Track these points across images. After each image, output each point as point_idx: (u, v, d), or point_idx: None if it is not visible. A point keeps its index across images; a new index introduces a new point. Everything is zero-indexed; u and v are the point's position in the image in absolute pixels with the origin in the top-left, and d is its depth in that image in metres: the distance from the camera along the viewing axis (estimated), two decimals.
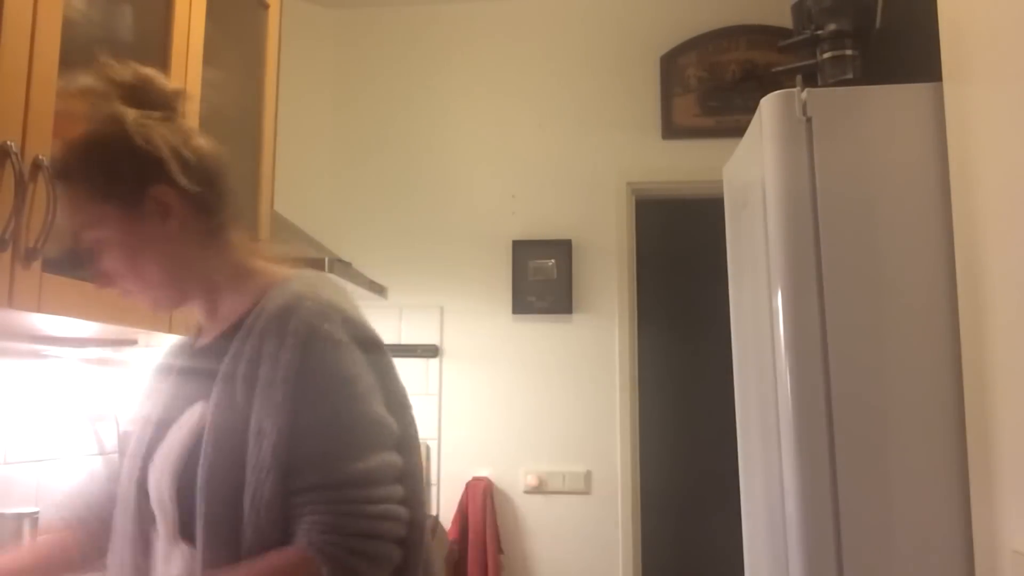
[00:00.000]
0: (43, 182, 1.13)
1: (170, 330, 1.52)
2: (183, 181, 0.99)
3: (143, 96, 1.01)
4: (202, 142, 1.04)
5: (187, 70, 1.58)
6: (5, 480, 1.54)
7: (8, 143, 1.07)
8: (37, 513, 1.45)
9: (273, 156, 2.08)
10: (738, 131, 1.90)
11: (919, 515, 1.43)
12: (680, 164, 3.01)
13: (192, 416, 0.98)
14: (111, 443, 1.87)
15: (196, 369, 1.02)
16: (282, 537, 0.89)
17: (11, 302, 1.08)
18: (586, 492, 2.89)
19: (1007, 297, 1.26)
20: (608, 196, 3.04)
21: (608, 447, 2.90)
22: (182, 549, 0.94)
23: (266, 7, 2.05)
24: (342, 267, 2.30)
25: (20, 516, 1.42)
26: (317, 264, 2.19)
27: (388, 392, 1.03)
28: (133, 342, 1.81)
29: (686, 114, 3.04)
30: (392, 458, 0.96)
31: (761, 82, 2.94)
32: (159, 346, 2.00)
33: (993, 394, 1.31)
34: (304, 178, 3.02)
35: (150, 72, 1.03)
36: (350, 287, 2.43)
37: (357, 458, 0.91)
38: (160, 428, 1.03)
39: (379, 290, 2.69)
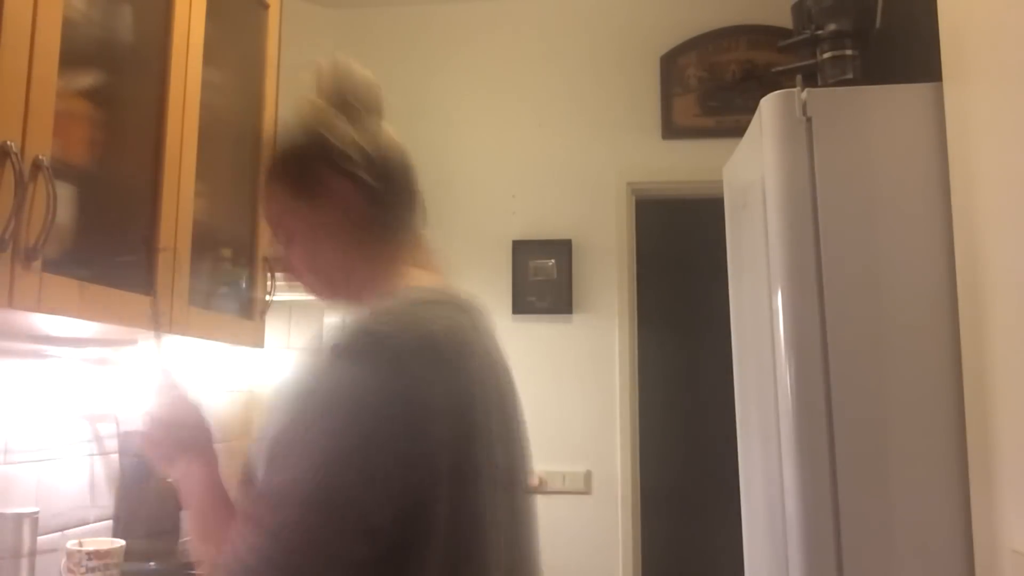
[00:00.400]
0: (43, 182, 1.13)
1: (170, 330, 1.52)
2: (362, 175, 0.99)
3: (336, 88, 1.03)
4: (389, 140, 1.05)
5: (187, 70, 1.58)
6: (5, 480, 1.54)
7: (8, 143, 1.07)
8: (37, 513, 1.45)
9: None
10: (738, 131, 1.90)
11: (919, 515, 1.43)
12: (680, 164, 3.01)
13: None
14: (111, 443, 1.87)
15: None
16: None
17: (11, 302, 1.08)
18: (586, 492, 2.88)
19: (1007, 297, 1.26)
20: (608, 196, 3.03)
21: (608, 447, 2.90)
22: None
23: (266, 7, 2.05)
24: None
25: (20, 516, 1.42)
26: None
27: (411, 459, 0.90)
28: (133, 342, 1.81)
29: (686, 114, 3.03)
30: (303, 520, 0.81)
31: (761, 82, 2.94)
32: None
33: (993, 394, 1.31)
34: None
35: (347, 66, 1.06)
36: None
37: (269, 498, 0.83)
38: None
39: None
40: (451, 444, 0.84)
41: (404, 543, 0.80)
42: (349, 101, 1.03)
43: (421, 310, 0.92)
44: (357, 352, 0.85)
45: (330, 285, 1.04)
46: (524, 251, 3.01)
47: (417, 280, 1.03)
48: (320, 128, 0.99)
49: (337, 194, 0.99)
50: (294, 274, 1.04)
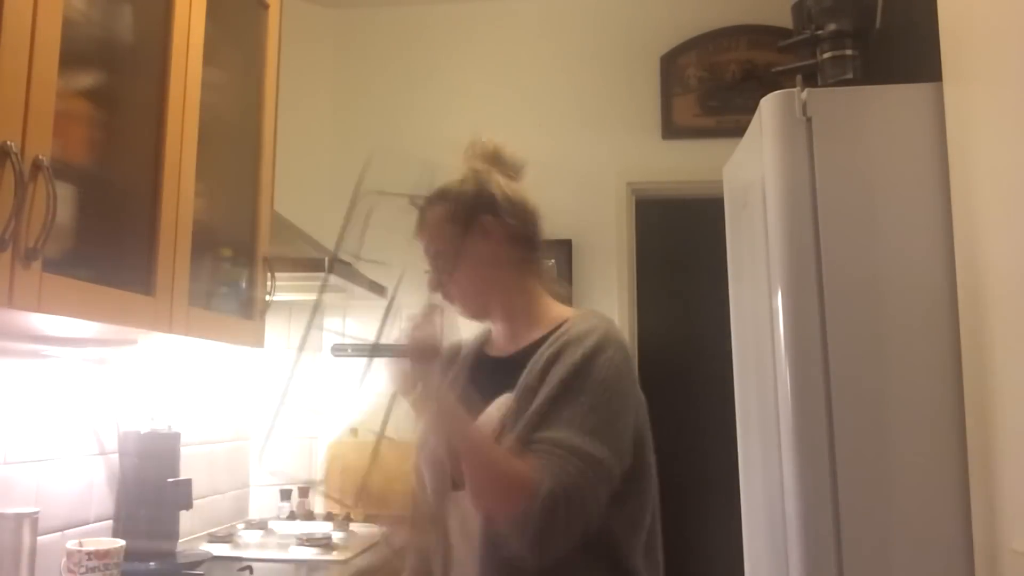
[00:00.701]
0: (43, 182, 1.13)
1: (170, 330, 1.52)
2: (506, 216, 1.30)
3: (494, 158, 1.39)
4: (525, 194, 1.37)
5: (187, 70, 1.58)
6: (5, 480, 1.54)
7: (8, 143, 1.07)
8: (37, 513, 1.45)
9: (273, 156, 2.08)
10: (738, 131, 1.90)
11: (919, 515, 1.43)
12: (680, 164, 3.01)
13: (501, 402, 1.24)
14: (111, 443, 1.87)
15: (503, 372, 1.27)
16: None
17: (11, 302, 1.08)
18: None
19: (1007, 297, 1.26)
20: (608, 196, 3.03)
21: None
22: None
23: (266, 7, 2.05)
24: (342, 267, 2.30)
25: (20, 516, 1.42)
26: (317, 264, 2.19)
27: (638, 421, 1.29)
28: (133, 342, 1.81)
29: (686, 114, 3.03)
30: (606, 457, 1.15)
31: (761, 82, 2.94)
32: (157, 346, 2.00)
33: (993, 394, 1.31)
34: (304, 178, 3.02)
35: (500, 144, 1.42)
36: (350, 287, 2.43)
37: (583, 440, 1.14)
38: (471, 406, 1.24)
39: (379, 290, 2.69)
40: (642, 412, 1.31)
41: (634, 467, 1.23)
42: (502, 162, 1.38)
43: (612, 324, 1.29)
44: (614, 345, 1.22)
45: (484, 307, 1.35)
46: None
47: (564, 309, 1.35)
48: (484, 184, 1.33)
49: (496, 235, 1.30)
50: (451, 299, 1.32)
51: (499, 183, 1.34)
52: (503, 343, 1.36)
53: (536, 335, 1.29)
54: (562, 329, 1.25)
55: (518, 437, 1.16)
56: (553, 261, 2.98)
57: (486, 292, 1.33)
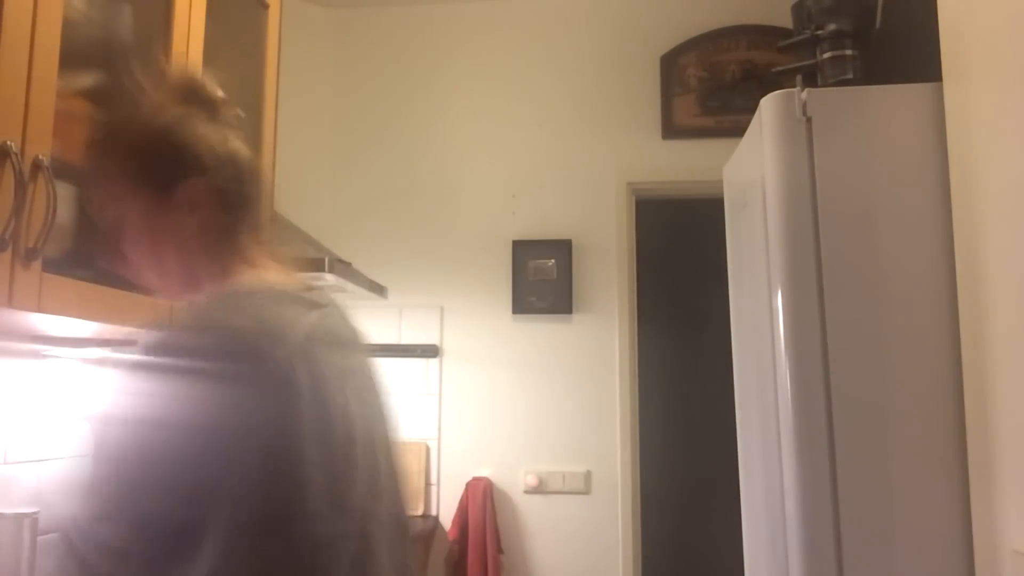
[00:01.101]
0: (43, 182, 1.13)
1: None
2: (214, 177, 0.99)
3: (191, 95, 1.03)
4: (239, 145, 1.04)
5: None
6: (5, 480, 1.54)
7: (8, 143, 1.07)
8: (37, 513, 1.45)
9: (273, 156, 2.08)
10: (738, 131, 1.90)
11: (919, 515, 1.43)
12: (680, 164, 3.01)
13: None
14: None
15: None
16: None
17: (11, 302, 1.08)
18: (586, 492, 2.89)
19: (1007, 297, 1.26)
20: (608, 196, 3.04)
21: (608, 447, 2.90)
22: None
23: (266, 7, 2.05)
24: (342, 267, 2.30)
25: (20, 516, 1.42)
26: (317, 264, 2.19)
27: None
28: (133, 342, 1.81)
29: (686, 114, 3.04)
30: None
31: (761, 82, 2.94)
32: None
33: (993, 394, 1.31)
34: (304, 178, 3.02)
35: (200, 75, 1.07)
36: (350, 287, 2.43)
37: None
38: None
39: (379, 290, 2.69)
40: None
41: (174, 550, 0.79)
42: (205, 103, 1.04)
43: (231, 302, 0.89)
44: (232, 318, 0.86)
45: (162, 278, 1.02)
46: (524, 251, 3.01)
47: (258, 276, 1.00)
48: (182, 129, 0.99)
49: (187, 194, 0.97)
50: (130, 267, 1.03)
51: (203, 132, 1.01)
52: None
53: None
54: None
55: None
56: (553, 261, 2.99)
57: (162, 262, 1.02)
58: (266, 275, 1.01)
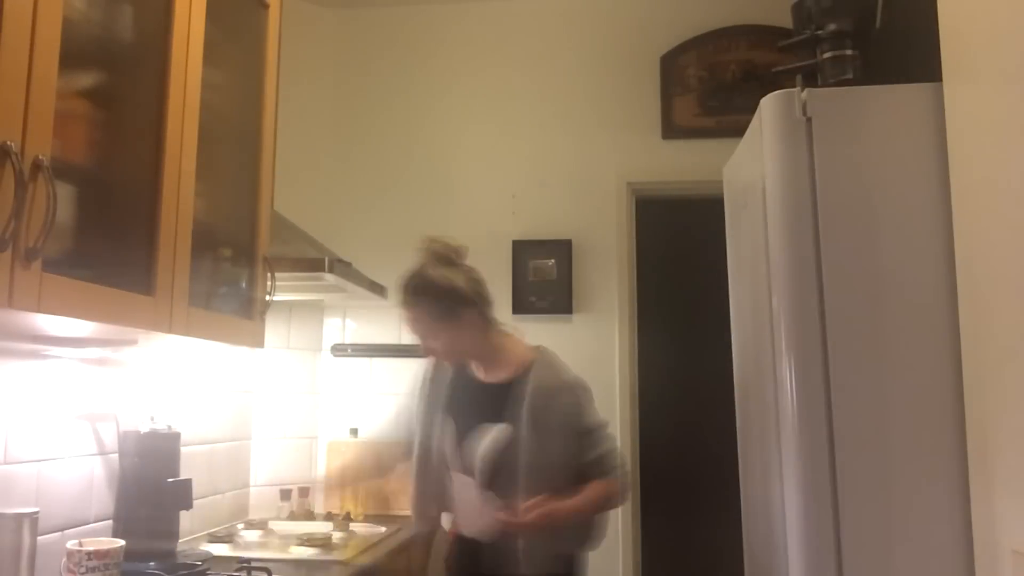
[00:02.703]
0: (43, 182, 1.13)
1: (170, 330, 1.52)
2: (474, 303, 1.86)
3: (452, 258, 1.89)
4: (478, 276, 1.89)
5: (187, 70, 1.58)
6: (5, 480, 1.54)
7: (8, 143, 1.07)
8: (37, 513, 1.45)
9: (273, 156, 2.08)
10: (738, 131, 1.90)
11: (919, 515, 1.43)
12: (680, 164, 3.01)
13: (498, 430, 1.84)
14: (111, 443, 1.87)
15: (490, 398, 1.88)
16: (565, 483, 1.80)
17: (11, 302, 1.08)
18: None
19: (1007, 297, 1.26)
20: (608, 196, 3.04)
21: None
22: (484, 493, 1.84)
23: (266, 7, 2.05)
24: (342, 267, 2.30)
25: (20, 516, 1.42)
26: (317, 264, 2.19)
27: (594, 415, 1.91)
28: (133, 342, 1.81)
29: (686, 114, 3.04)
30: (610, 431, 1.91)
31: (761, 82, 2.94)
32: (155, 345, 2.00)
33: (993, 394, 1.31)
34: (304, 178, 3.02)
35: (456, 245, 1.89)
36: (350, 287, 2.43)
37: (602, 446, 1.86)
38: (464, 426, 1.90)
39: (379, 290, 2.69)
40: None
41: None
42: (450, 255, 1.89)
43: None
44: (579, 387, 1.91)
45: (465, 360, 1.96)
46: (524, 251, 3.01)
47: (521, 343, 1.99)
48: (449, 280, 1.84)
49: (467, 319, 1.85)
50: (440, 358, 1.96)
51: (459, 277, 1.85)
52: (482, 374, 1.94)
53: (508, 372, 1.89)
54: (531, 375, 1.86)
55: (543, 472, 1.79)
56: (553, 261, 2.99)
57: (465, 353, 1.92)
58: (513, 335, 2.00)
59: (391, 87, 3.20)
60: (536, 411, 1.82)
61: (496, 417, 1.84)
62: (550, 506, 1.73)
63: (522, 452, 1.80)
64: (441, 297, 1.82)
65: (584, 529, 1.87)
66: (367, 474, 2.39)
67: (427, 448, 1.97)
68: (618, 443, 1.99)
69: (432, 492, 1.96)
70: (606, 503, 1.87)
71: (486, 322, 1.89)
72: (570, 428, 1.83)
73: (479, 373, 1.95)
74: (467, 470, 1.88)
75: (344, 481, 2.56)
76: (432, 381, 2.03)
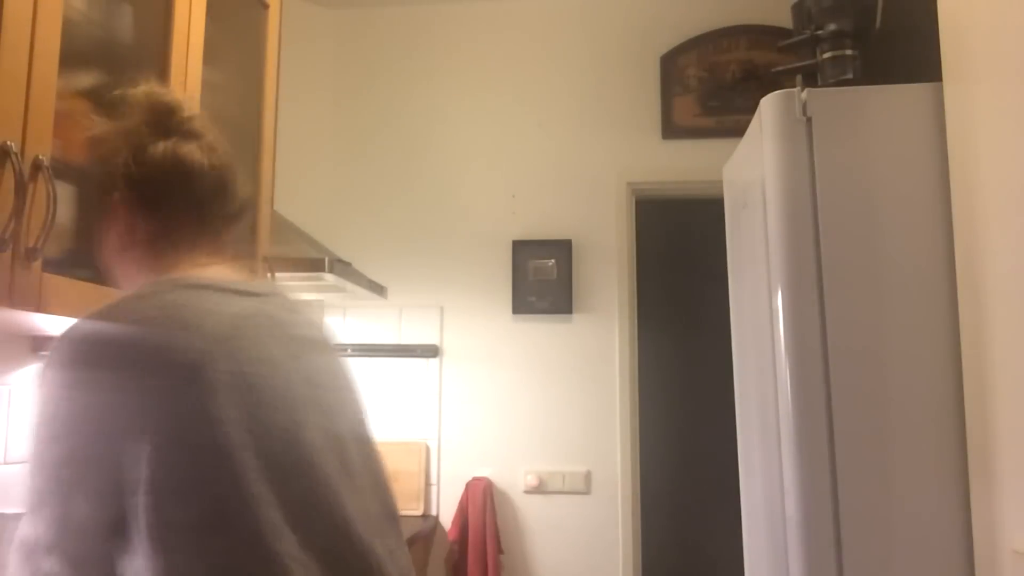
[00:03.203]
0: (43, 182, 1.13)
1: None
2: (127, 190, 1.05)
3: (155, 112, 1.09)
4: (157, 152, 1.06)
5: (187, 70, 1.58)
6: (5, 480, 1.54)
7: (8, 143, 1.07)
8: None
9: (273, 156, 2.08)
10: (738, 131, 1.90)
11: (919, 515, 1.43)
12: (680, 164, 3.01)
13: None
14: None
15: None
16: None
17: (11, 302, 1.08)
18: (586, 492, 2.89)
19: (1007, 297, 1.26)
20: (608, 196, 3.04)
21: (608, 447, 2.90)
22: None
23: (266, 7, 2.05)
24: (342, 267, 2.30)
25: (20, 516, 1.42)
26: (317, 264, 2.19)
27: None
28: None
29: (686, 114, 3.04)
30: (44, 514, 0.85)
31: (761, 82, 2.94)
32: None
33: (993, 394, 1.31)
34: (304, 178, 3.02)
35: (154, 92, 1.13)
36: (350, 287, 2.43)
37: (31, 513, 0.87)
38: None
39: (379, 290, 2.69)
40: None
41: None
42: (155, 119, 1.09)
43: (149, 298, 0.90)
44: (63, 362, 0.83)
45: (122, 280, 1.09)
46: (524, 251, 3.01)
47: (191, 272, 1.01)
48: (98, 148, 1.07)
49: (114, 206, 1.05)
50: (99, 261, 1.11)
51: (116, 147, 1.08)
52: None
53: None
54: None
55: None
56: (553, 261, 2.99)
57: (112, 262, 1.12)
58: (202, 271, 1.02)
59: (391, 87, 3.21)
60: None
61: None
62: None
63: None
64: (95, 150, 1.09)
65: None
66: None
67: None
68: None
69: None
70: None
71: (146, 225, 1.07)
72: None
73: None
74: None
75: None
76: None
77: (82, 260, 1.33)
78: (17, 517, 1.42)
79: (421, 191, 3.13)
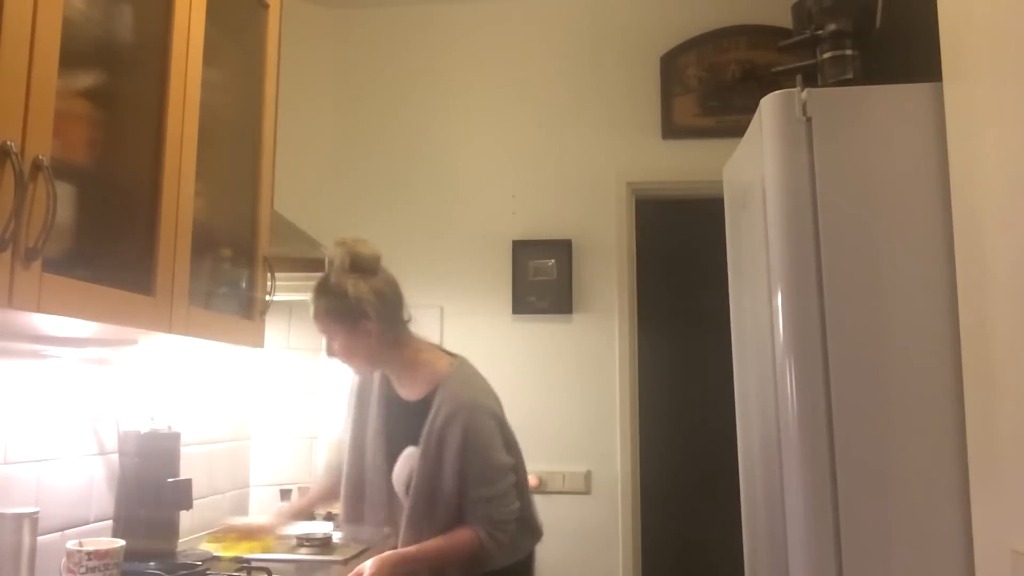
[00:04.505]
0: (43, 182, 1.13)
1: (170, 330, 1.52)
2: (375, 315, 1.81)
3: (355, 263, 1.84)
4: (387, 287, 1.86)
5: (187, 70, 1.58)
6: (5, 480, 1.54)
7: (8, 143, 1.07)
8: (37, 513, 1.45)
9: (273, 156, 2.08)
10: (738, 131, 1.90)
11: (919, 515, 1.43)
12: (680, 164, 3.01)
13: (410, 452, 1.83)
14: (111, 443, 1.87)
15: (409, 417, 1.87)
16: (452, 521, 1.78)
17: (11, 302, 1.08)
18: (586, 492, 2.88)
19: (1007, 297, 1.26)
20: (608, 196, 3.03)
21: (608, 447, 2.90)
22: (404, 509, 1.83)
23: (266, 7, 2.05)
24: None
25: (20, 516, 1.42)
26: (317, 264, 2.19)
27: (507, 439, 1.87)
28: (133, 342, 1.81)
29: (686, 114, 3.04)
30: (506, 480, 1.81)
31: (761, 82, 2.94)
32: (157, 346, 2.01)
33: (993, 394, 1.31)
34: (304, 178, 3.02)
35: (372, 252, 1.87)
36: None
37: (493, 486, 1.79)
38: (392, 446, 1.90)
39: None
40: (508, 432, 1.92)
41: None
42: (360, 266, 1.85)
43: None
44: (477, 415, 1.82)
45: (373, 370, 1.96)
46: (524, 251, 3.01)
47: (441, 357, 1.95)
48: (345, 288, 1.81)
49: (373, 331, 1.82)
50: (347, 364, 1.89)
51: (360, 287, 1.81)
52: (399, 386, 1.93)
53: (423, 388, 1.86)
54: (438, 401, 1.80)
55: (455, 501, 1.78)
56: (553, 261, 2.99)
57: (372, 363, 1.89)
58: (432, 348, 1.98)
59: (391, 87, 3.20)
60: (433, 435, 1.78)
61: (413, 438, 1.82)
62: (389, 565, 1.68)
63: (414, 478, 1.78)
64: (337, 302, 1.81)
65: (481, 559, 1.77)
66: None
67: (359, 467, 1.95)
68: (516, 503, 1.81)
69: (368, 510, 1.93)
70: (463, 558, 1.75)
71: (389, 334, 1.85)
72: (464, 458, 1.75)
73: (399, 387, 1.93)
74: (398, 492, 1.87)
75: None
76: (359, 392, 2.01)
77: (82, 260, 1.33)
78: (17, 517, 1.42)
79: (421, 191, 3.12)
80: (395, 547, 1.82)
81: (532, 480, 2.88)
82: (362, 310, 1.79)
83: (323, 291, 1.82)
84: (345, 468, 1.97)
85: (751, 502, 1.91)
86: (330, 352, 1.86)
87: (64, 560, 1.46)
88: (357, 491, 1.94)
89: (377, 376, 1.97)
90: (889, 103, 1.55)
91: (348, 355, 1.85)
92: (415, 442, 1.81)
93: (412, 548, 1.73)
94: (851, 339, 1.48)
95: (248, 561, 1.86)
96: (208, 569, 1.78)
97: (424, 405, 1.83)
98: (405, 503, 1.82)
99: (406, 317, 1.91)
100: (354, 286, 1.80)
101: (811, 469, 1.46)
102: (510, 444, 1.87)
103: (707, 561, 3.57)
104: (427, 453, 1.77)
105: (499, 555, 1.77)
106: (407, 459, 1.83)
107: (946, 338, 1.46)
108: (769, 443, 1.62)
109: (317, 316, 1.83)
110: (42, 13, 1.15)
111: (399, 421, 1.90)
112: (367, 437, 1.95)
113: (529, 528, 1.92)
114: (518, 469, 1.87)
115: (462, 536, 1.74)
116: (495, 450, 1.79)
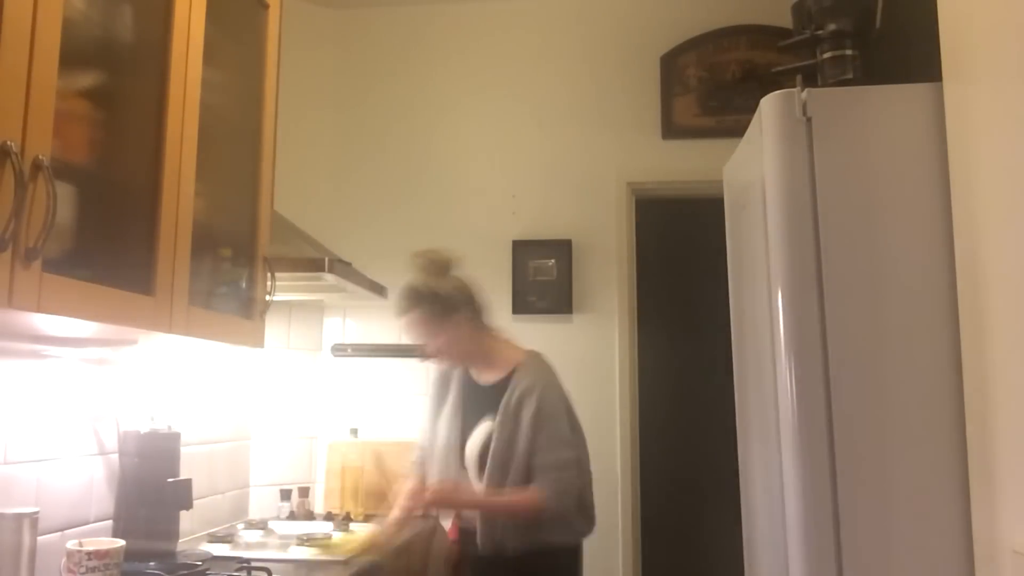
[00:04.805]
0: (43, 182, 1.13)
1: (170, 330, 1.52)
2: (461, 309, 2.06)
3: (435, 267, 2.09)
4: (468, 284, 2.11)
5: (187, 70, 1.58)
6: (5, 480, 1.54)
7: (8, 143, 1.07)
8: (37, 513, 1.45)
9: (273, 156, 2.08)
10: (738, 131, 1.90)
11: (919, 515, 1.43)
12: (680, 164, 3.01)
13: (485, 426, 2.03)
14: (111, 443, 1.87)
15: (485, 398, 2.07)
16: (513, 480, 1.96)
17: (11, 302, 1.08)
18: None
19: (1007, 297, 1.26)
20: (608, 196, 3.03)
21: (608, 447, 2.90)
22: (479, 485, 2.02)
23: (266, 7, 2.05)
24: (342, 267, 2.30)
25: (20, 516, 1.42)
26: (317, 264, 2.19)
27: (572, 423, 2.05)
28: (133, 342, 1.81)
29: (686, 114, 3.04)
30: (571, 453, 2.00)
31: (761, 82, 2.94)
32: (159, 345, 2.00)
33: (993, 393, 1.31)
34: (304, 178, 3.02)
35: (448, 256, 2.12)
36: (350, 287, 2.43)
37: (558, 453, 1.96)
38: (467, 424, 2.09)
39: (379, 290, 2.69)
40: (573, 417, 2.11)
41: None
42: (441, 267, 2.10)
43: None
44: (550, 391, 2.04)
45: (464, 362, 2.16)
46: (524, 251, 3.01)
47: (515, 347, 2.17)
48: (435, 288, 2.06)
49: (462, 324, 2.07)
50: (441, 360, 2.15)
51: (447, 285, 2.06)
52: (478, 374, 2.14)
53: (499, 373, 2.08)
54: (515, 379, 2.03)
55: (525, 464, 1.96)
56: (553, 261, 2.99)
57: (466, 355, 2.12)
58: (508, 340, 2.20)
59: (391, 87, 3.20)
60: (511, 406, 1.98)
61: (488, 415, 2.02)
62: (445, 494, 1.99)
63: (492, 444, 1.97)
64: (431, 303, 2.03)
65: (543, 523, 1.94)
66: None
67: (432, 446, 2.16)
68: (578, 480, 2.01)
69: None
70: (523, 512, 1.94)
71: (477, 326, 2.09)
72: (536, 424, 1.95)
73: (477, 375, 2.13)
74: (468, 465, 2.05)
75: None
76: (439, 384, 2.23)
77: (82, 260, 1.33)
78: (17, 517, 1.42)
79: (421, 191, 3.12)
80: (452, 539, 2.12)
81: None
82: (453, 305, 2.04)
83: (414, 301, 2.05)
84: (420, 450, 2.22)
85: (751, 502, 1.91)
86: (427, 354, 2.10)
87: (64, 560, 1.46)
88: (429, 473, 2.15)
89: (457, 368, 2.18)
90: (889, 103, 1.55)
91: (446, 351, 2.08)
92: (491, 417, 2.01)
93: (470, 496, 2.00)
94: (851, 339, 1.48)
95: (248, 561, 1.86)
96: (208, 569, 1.78)
97: (501, 386, 2.04)
98: (475, 481, 2.01)
99: (484, 308, 2.14)
100: (442, 286, 2.05)
101: (811, 469, 1.46)
102: (575, 427, 2.06)
103: (707, 561, 3.57)
104: (504, 422, 1.97)
105: (556, 526, 1.95)
106: (482, 431, 2.02)
107: (946, 338, 1.46)
108: (769, 443, 1.62)
109: (412, 325, 2.06)
110: (42, 13, 1.15)
111: (475, 402, 2.09)
112: (441, 421, 2.14)
113: (586, 512, 2.06)
114: (580, 448, 2.05)
115: (526, 494, 1.92)
116: (563, 423, 2.00)
